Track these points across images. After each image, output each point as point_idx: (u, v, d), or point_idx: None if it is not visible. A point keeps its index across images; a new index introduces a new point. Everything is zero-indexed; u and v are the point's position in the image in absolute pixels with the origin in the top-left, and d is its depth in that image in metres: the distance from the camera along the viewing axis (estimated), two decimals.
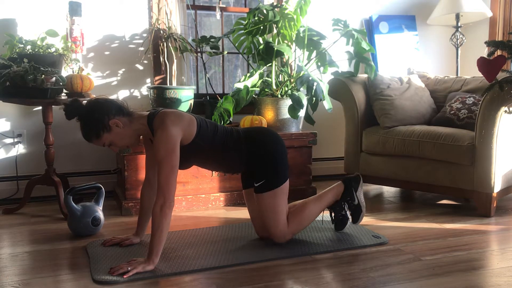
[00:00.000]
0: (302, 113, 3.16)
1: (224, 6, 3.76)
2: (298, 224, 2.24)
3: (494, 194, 2.68)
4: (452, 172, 2.78)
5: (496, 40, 3.66)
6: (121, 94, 3.30)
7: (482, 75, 2.42)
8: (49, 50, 2.78)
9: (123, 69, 3.30)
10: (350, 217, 2.40)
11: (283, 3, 3.23)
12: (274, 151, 2.18)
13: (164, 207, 1.88)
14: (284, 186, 2.18)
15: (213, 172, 2.97)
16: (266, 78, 3.25)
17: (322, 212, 2.46)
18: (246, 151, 2.16)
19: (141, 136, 2.13)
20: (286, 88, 3.20)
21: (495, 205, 2.71)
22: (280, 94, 3.19)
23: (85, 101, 2.04)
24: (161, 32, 3.22)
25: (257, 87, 3.15)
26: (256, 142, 2.19)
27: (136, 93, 3.34)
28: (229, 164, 2.22)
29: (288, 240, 2.23)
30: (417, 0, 4.04)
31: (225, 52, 3.49)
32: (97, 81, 3.22)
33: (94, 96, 2.87)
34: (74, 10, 2.83)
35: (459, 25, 3.85)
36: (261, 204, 2.17)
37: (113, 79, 3.28)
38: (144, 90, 3.36)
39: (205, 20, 4.51)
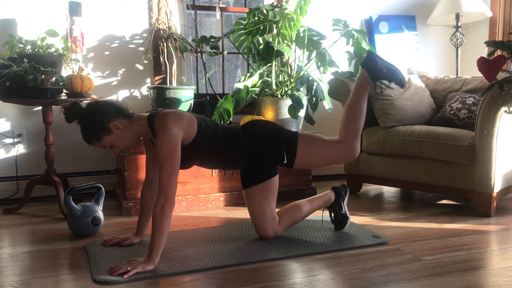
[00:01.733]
0: (302, 113, 3.16)
1: (224, 6, 3.76)
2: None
3: (494, 194, 2.68)
4: (452, 172, 2.78)
5: (496, 40, 3.66)
6: (121, 94, 3.30)
7: (482, 75, 2.42)
8: (49, 50, 2.78)
9: (123, 69, 3.30)
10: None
11: (283, 3, 3.23)
12: (272, 129, 2.25)
13: (165, 207, 1.88)
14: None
15: (213, 172, 2.97)
16: (266, 78, 3.25)
17: (322, 212, 2.47)
18: (246, 147, 2.19)
19: (141, 137, 2.14)
20: (286, 88, 3.20)
21: (495, 205, 2.71)
22: (280, 94, 3.19)
23: (85, 104, 2.04)
24: (161, 32, 3.22)
25: (257, 87, 3.15)
26: (252, 133, 2.24)
27: (136, 93, 3.34)
28: (230, 161, 2.24)
29: (284, 238, 2.27)
30: (417, 0, 4.04)
31: (225, 52, 3.49)
32: (97, 81, 3.22)
33: (94, 96, 2.88)
34: (74, 10, 2.83)
35: (459, 25, 3.85)
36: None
37: (113, 79, 3.28)
38: (144, 90, 3.36)
39: (205, 20, 4.51)
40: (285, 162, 2.22)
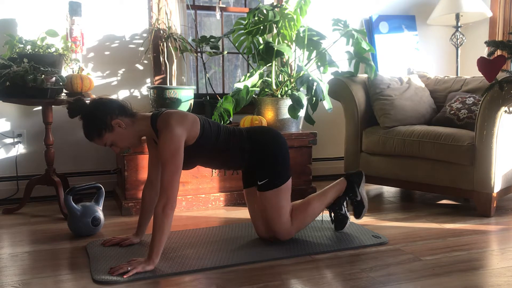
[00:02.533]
0: (302, 113, 3.16)
1: (224, 6, 3.76)
2: (302, 220, 2.26)
3: (494, 194, 2.68)
4: (452, 172, 2.78)
5: (496, 40, 3.65)
6: (121, 94, 3.30)
7: (482, 75, 2.42)
8: (49, 50, 2.78)
9: (123, 69, 3.30)
10: (351, 213, 2.43)
11: (283, 3, 3.23)
12: (276, 150, 2.20)
13: (167, 208, 1.88)
14: (287, 183, 2.20)
15: (213, 172, 2.97)
16: (266, 78, 3.25)
17: (322, 212, 2.47)
18: (249, 151, 2.17)
19: (144, 137, 2.13)
20: (286, 88, 3.20)
21: (495, 205, 2.71)
22: (280, 94, 3.19)
23: (89, 100, 2.04)
24: (161, 32, 3.22)
25: (257, 87, 3.15)
26: (259, 141, 2.20)
27: (136, 93, 3.34)
28: (232, 163, 2.23)
29: (291, 237, 2.25)
30: (417, 0, 4.04)
31: (225, 52, 3.49)
32: (97, 81, 3.22)
33: (94, 96, 2.87)
34: (74, 10, 2.83)
35: (459, 25, 3.85)
36: (265, 202, 2.17)
37: (113, 79, 3.28)
38: (144, 90, 3.36)
39: (205, 20, 4.51)
40: (259, 183, 2.18)
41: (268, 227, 2.23)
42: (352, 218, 2.50)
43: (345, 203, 2.40)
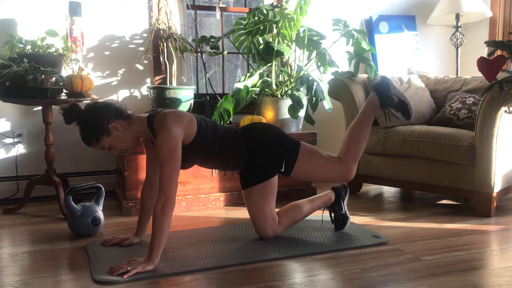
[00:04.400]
0: (302, 113, 3.16)
1: (224, 6, 3.76)
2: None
3: (494, 194, 2.68)
4: (452, 172, 2.78)
5: (496, 40, 3.65)
6: (121, 94, 3.30)
7: (482, 75, 2.42)
8: (49, 50, 2.78)
9: (123, 69, 3.30)
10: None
11: (283, 3, 3.23)
12: (271, 138, 2.23)
13: (166, 207, 1.88)
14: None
15: (213, 172, 2.97)
16: (266, 78, 3.25)
17: (322, 212, 2.48)
18: (245, 148, 2.18)
19: (141, 138, 2.13)
20: (286, 88, 3.20)
21: (495, 205, 2.71)
22: (280, 94, 3.19)
23: (84, 105, 2.04)
24: (161, 32, 3.22)
25: (257, 87, 3.15)
26: (253, 136, 2.23)
27: (136, 93, 3.34)
28: (230, 162, 2.24)
29: (285, 238, 2.27)
30: (417, 0, 4.04)
31: (225, 52, 3.49)
32: (97, 81, 3.22)
33: (94, 96, 2.88)
34: (74, 10, 2.83)
35: (459, 25, 3.85)
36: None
37: (113, 79, 3.28)
38: (144, 90, 3.36)
39: (205, 20, 4.51)
40: (282, 170, 2.22)
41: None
42: (351, 219, 2.50)
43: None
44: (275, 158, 2.21)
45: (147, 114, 2.07)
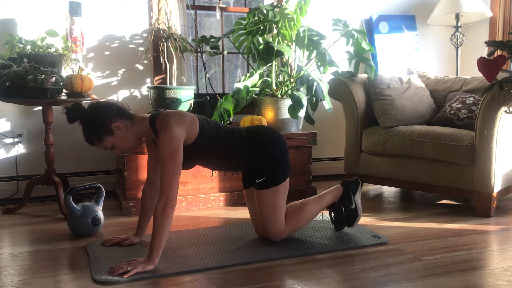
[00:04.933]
0: (302, 113, 3.16)
1: (224, 6, 3.76)
2: (296, 223, 2.26)
3: (494, 194, 2.68)
4: (452, 172, 2.78)
5: (496, 40, 3.65)
6: (121, 94, 3.30)
7: (482, 75, 2.42)
8: (49, 50, 2.78)
9: (123, 69, 3.30)
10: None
11: (283, 3, 3.23)
12: (275, 149, 2.20)
13: (167, 207, 1.88)
14: (285, 184, 2.20)
15: (213, 172, 2.97)
16: (266, 78, 3.25)
17: (322, 212, 2.47)
18: (248, 150, 2.17)
19: (144, 138, 2.13)
20: (286, 88, 3.20)
21: (495, 205, 2.71)
22: (280, 94, 3.19)
23: (87, 104, 2.04)
24: (161, 32, 3.22)
25: (257, 87, 3.15)
26: (258, 140, 2.20)
27: (136, 93, 3.34)
28: (231, 163, 2.23)
29: (284, 238, 2.25)
30: (417, 0, 4.04)
31: (225, 52, 3.49)
32: (97, 81, 3.22)
33: (94, 96, 2.88)
34: (74, 10, 2.83)
35: (459, 25, 3.85)
36: (261, 201, 2.18)
37: (113, 79, 3.28)
38: (144, 90, 3.36)
39: (205, 20, 4.51)
40: (257, 181, 2.18)
41: (263, 226, 2.23)
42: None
43: (342, 208, 2.40)
44: (265, 168, 2.17)
45: (150, 114, 2.07)
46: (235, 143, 2.17)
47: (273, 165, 2.18)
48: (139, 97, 3.35)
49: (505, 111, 2.61)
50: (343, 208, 2.38)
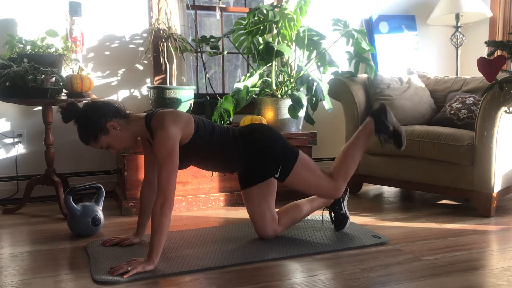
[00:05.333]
0: (302, 113, 3.16)
1: (224, 6, 3.76)
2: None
3: (494, 194, 2.68)
4: (452, 172, 2.78)
5: (496, 40, 3.66)
6: (121, 94, 3.30)
7: (482, 75, 2.42)
8: (49, 50, 2.78)
9: (123, 69, 3.30)
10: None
11: (283, 3, 3.23)
12: (269, 141, 2.22)
13: (164, 207, 1.88)
14: (300, 160, 2.23)
15: (213, 172, 2.97)
16: (266, 78, 3.25)
17: (322, 212, 2.48)
18: (243, 149, 2.17)
19: (139, 137, 2.13)
20: (286, 88, 3.20)
21: (495, 205, 2.71)
22: (280, 94, 3.19)
23: (82, 104, 2.04)
24: (161, 32, 3.22)
25: (257, 87, 3.15)
26: (252, 138, 2.21)
27: (136, 93, 3.34)
28: (227, 163, 2.23)
29: (284, 238, 2.27)
30: (417, 0, 4.04)
31: (225, 52, 3.49)
32: (97, 81, 3.22)
33: (94, 96, 2.88)
34: (74, 10, 2.83)
35: (459, 25, 3.85)
36: (296, 186, 2.23)
37: (113, 79, 3.28)
38: (144, 90, 3.36)
39: (205, 20, 4.51)
40: (276, 176, 2.21)
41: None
42: (349, 221, 2.50)
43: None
44: (271, 163, 2.19)
45: (145, 113, 2.07)
46: (230, 143, 2.17)
47: (275, 156, 2.19)
48: (139, 97, 3.35)
49: (505, 111, 2.62)
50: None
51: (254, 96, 3.20)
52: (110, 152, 2.07)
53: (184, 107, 3.05)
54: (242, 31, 3.23)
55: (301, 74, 3.07)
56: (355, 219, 2.63)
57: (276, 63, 3.21)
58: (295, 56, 3.38)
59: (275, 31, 3.26)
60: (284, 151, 2.21)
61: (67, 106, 1.99)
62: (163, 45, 3.21)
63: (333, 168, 2.30)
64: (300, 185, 2.24)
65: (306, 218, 2.54)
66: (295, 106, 2.99)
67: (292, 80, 3.21)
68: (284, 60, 3.37)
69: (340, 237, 2.32)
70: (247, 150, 2.18)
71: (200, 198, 2.94)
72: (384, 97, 3.15)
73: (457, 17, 3.83)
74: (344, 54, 3.32)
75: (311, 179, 2.22)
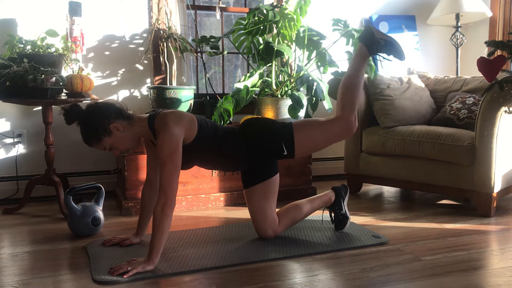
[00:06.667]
0: (302, 113, 3.16)
1: (224, 6, 3.76)
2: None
3: (494, 194, 2.68)
4: (452, 172, 2.78)
5: (496, 40, 3.65)
6: (121, 94, 3.30)
7: (482, 75, 2.42)
8: (49, 50, 2.78)
9: (123, 69, 3.30)
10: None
11: (283, 3, 3.23)
12: (265, 128, 2.24)
13: (166, 207, 1.88)
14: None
15: (213, 172, 2.97)
16: (266, 78, 3.25)
17: (322, 212, 2.48)
18: (245, 146, 2.18)
19: (142, 138, 2.14)
20: (286, 88, 3.20)
21: (495, 205, 2.71)
22: (280, 94, 3.19)
23: (85, 105, 2.04)
24: (161, 32, 3.22)
25: (257, 87, 3.15)
26: (250, 132, 2.23)
27: (136, 93, 3.34)
28: (230, 162, 2.24)
29: (284, 238, 2.27)
30: (417, 0, 4.04)
31: (225, 52, 3.49)
32: (97, 81, 3.22)
33: (94, 96, 2.88)
34: (74, 10, 2.83)
35: (459, 25, 3.85)
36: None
37: (113, 79, 3.28)
38: (144, 90, 3.36)
39: (205, 20, 4.51)
40: (285, 153, 2.21)
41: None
42: (349, 221, 2.50)
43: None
44: (274, 144, 2.21)
45: (148, 114, 2.07)
46: (233, 142, 2.18)
47: (273, 137, 2.20)
48: (139, 97, 3.35)
49: (505, 111, 2.62)
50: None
51: (254, 96, 3.20)
52: (114, 153, 2.07)
53: (184, 107, 3.05)
54: (242, 31, 3.23)
55: (301, 74, 3.07)
56: (355, 219, 2.63)
57: (276, 63, 3.21)
58: (295, 56, 3.38)
59: (275, 31, 3.26)
60: (277, 128, 2.23)
61: (70, 107, 1.98)
62: (163, 45, 3.21)
63: (337, 107, 2.26)
64: (312, 145, 2.23)
65: (306, 218, 2.54)
66: (295, 106, 2.99)
67: (292, 80, 3.21)
68: (284, 60, 3.37)
69: (340, 237, 2.32)
70: (249, 146, 2.19)
71: (200, 198, 2.94)
72: (384, 97, 3.15)
73: (457, 17, 3.83)
74: (344, 54, 3.32)
75: (317, 132, 2.21)
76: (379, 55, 2.31)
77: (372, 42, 2.26)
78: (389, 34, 3.83)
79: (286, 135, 2.20)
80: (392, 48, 2.28)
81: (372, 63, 2.32)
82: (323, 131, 2.23)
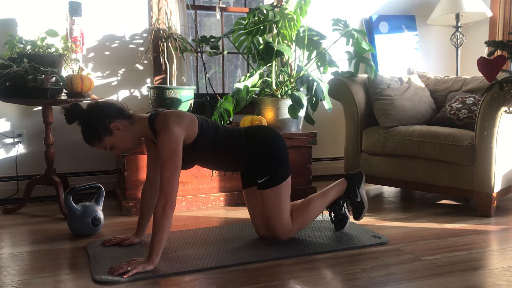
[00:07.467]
0: (302, 113, 3.16)
1: (224, 6, 3.76)
2: (303, 220, 2.26)
3: (494, 194, 2.68)
4: (452, 172, 2.78)
5: (496, 40, 3.65)
6: (121, 94, 3.30)
7: (482, 75, 2.42)
8: (49, 50, 2.78)
9: (123, 69, 3.30)
10: (351, 213, 2.43)
11: (283, 3, 3.23)
12: (275, 148, 2.20)
13: (166, 207, 1.88)
14: (287, 181, 2.20)
15: (213, 172, 2.97)
16: (266, 78, 3.25)
17: (322, 212, 2.47)
18: (247, 150, 2.17)
19: (143, 138, 2.13)
20: (286, 88, 3.20)
21: (495, 205, 2.71)
22: (280, 94, 3.19)
23: (86, 105, 2.04)
24: (161, 32, 3.22)
25: (257, 87, 3.15)
26: (258, 140, 2.20)
27: (136, 93, 3.34)
28: (231, 163, 2.23)
29: (291, 237, 2.25)
30: (417, 0, 4.04)
31: (225, 52, 3.49)
32: (97, 81, 3.22)
33: (94, 96, 2.88)
34: (74, 10, 2.83)
35: (459, 25, 3.85)
36: (265, 201, 2.18)
37: (113, 79, 3.28)
38: (144, 90, 3.36)
39: (205, 20, 4.51)
40: (259, 181, 2.18)
41: (269, 227, 2.23)
42: (352, 219, 2.49)
43: (345, 204, 2.40)
44: (265, 168, 2.17)
45: (149, 114, 2.07)
46: (235, 143, 2.17)
47: (273, 164, 2.18)
48: (139, 97, 3.35)
49: (505, 111, 2.62)
50: (349, 201, 2.39)
51: (254, 96, 3.20)
52: (114, 153, 2.07)
53: (184, 107, 3.05)
54: (242, 31, 3.23)
55: (301, 74, 3.07)
56: (355, 220, 2.63)
57: (276, 63, 3.21)
58: (295, 56, 3.38)
59: (275, 31, 3.27)
60: (282, 165, 2.19)
61: (71, 107, 1.98)
62: (163, 45, 3.21)
63: (293, 215, 2.25)
64: (270, 205, 2.17)
65: None
66: (295, 106, 2.99)
67: (292, 80, 3.21)
68: (284, 60, 3.37)
69: (340, 237, 2.32)
70: (251, 151, 2.18)
71: (200, 198, 2.94)
72: (384, 97, 3.15)
73: (457, 17, 3.83)
74: (344, 54, 3.32)
75: (283, 204, 2.18)
76: (347, 202, 2.41)
77: (353, 191, 2.38)
78: (389, 34, 3.86)
79: (276, 177, 2.16)
80: (359, 209, 2.40)
81: (328, 215, 2.45)
82: (283, 210, 2.17)
